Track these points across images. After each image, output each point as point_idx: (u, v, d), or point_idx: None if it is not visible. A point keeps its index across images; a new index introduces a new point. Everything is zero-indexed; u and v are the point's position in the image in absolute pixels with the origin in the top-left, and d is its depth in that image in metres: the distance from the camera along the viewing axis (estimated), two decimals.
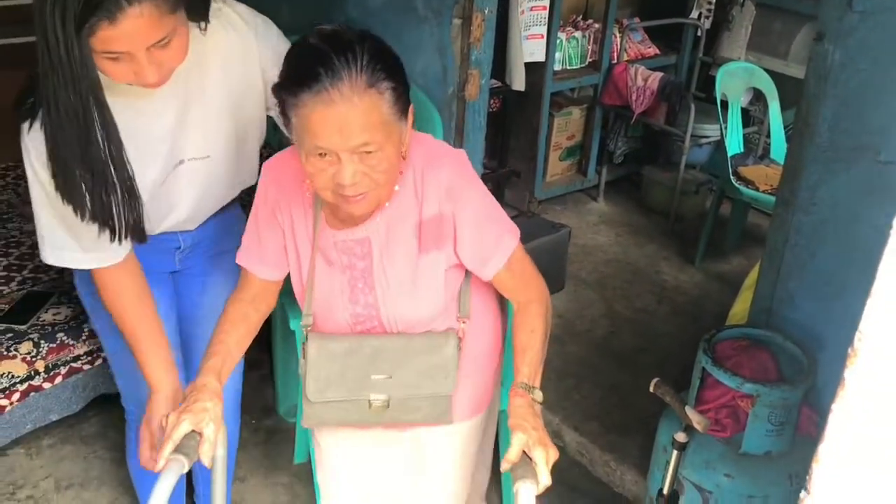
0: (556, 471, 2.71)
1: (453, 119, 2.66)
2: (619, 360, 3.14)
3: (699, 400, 1.87)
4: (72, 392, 2.26)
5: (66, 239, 1.51)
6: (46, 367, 2.18)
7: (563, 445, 2.77)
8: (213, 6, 1.48)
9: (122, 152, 1.39)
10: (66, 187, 1.39)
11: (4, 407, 2.12)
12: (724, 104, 3.58)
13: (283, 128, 1.29)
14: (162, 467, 1.29)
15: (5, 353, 2.15)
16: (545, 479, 1.29)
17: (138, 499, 2.06)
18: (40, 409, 2.21)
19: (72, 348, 2.24)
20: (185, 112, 1.52)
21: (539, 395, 1.48)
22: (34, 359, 2.17)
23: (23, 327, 2.25)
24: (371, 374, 1.51)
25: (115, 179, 1.40)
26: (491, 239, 1.48)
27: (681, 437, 1.75)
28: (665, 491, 1.81)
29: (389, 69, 1.29)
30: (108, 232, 1.44)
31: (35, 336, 2.23)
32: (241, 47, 1.53)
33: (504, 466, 1.34)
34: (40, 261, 2.54)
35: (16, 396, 2.14)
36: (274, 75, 1.37)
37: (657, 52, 4.34)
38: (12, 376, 2.13)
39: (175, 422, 1.32)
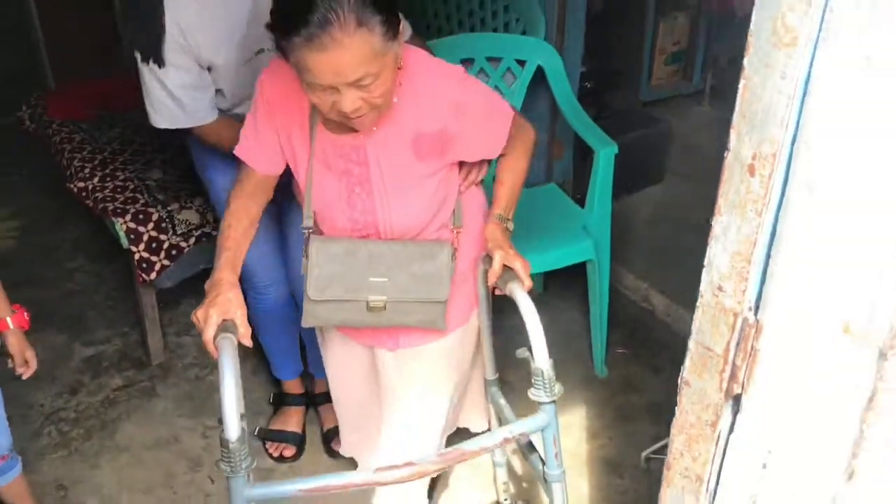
0: (644, 331, 3.03)
1: (554, 16, 2.94)
2: None
3: None
4: None
5: (170, 105, 1.90)
6: (215, 217, 2.67)
7: (651, 308, 3.09)
8: None
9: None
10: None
11: (184, 248, 2.62)
12: None
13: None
14: (217, 349, 1.41)
15: (184, 204, 2.65)
16: (528, 282, 1.55)
17: (265, 349, 2.50)
18: (210, 251, 2.70)
19: None
20: (258, 7, 1.77)
21: (511, 226, 1.66)
22: (205, 211, 2.66)
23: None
24: (369, 276, 1.57)
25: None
26: (497, 126, 1.61)
27: None
28: None
29: (376, 1, 1.31)
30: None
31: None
32: None
33: (491, 280, 1.58)
34: None
35: (192, 240, 2.64)
36: None
37: None
38: (189, 223, 2.63)
39: (205, 316, 1.44)
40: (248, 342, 1.46)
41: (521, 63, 2.76)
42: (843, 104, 0.85)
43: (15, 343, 1.80)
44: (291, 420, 2.49)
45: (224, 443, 1.38)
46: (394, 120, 1.49)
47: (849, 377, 0.94)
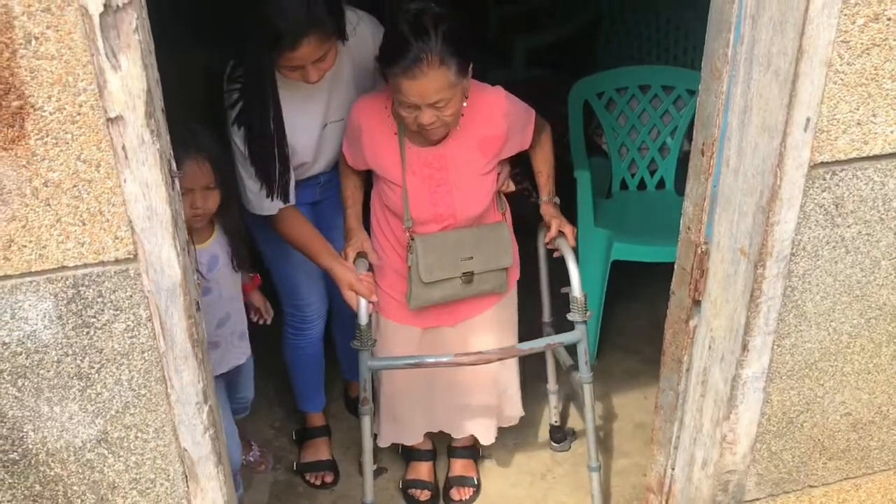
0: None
1: None
2: None
3: None
4: None
5: (254, 194, 2.05)
6: None
7: None
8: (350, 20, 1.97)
9: (283, 132, 1.96)
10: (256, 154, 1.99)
11: None
12: None
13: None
14: (352, 262, 2.01)
15: None
16: (573, 242, 2.07)
17: (295, 383, 2.60)
18: None
19: None
20: (330, 93, 2.09)
21: (557, 200, 2.15)
22: None
23: None
24: (459, 257, 2.00)
25: (276, 153, 1.98)
26: (528, 124, 2.05)
27: None
28: None
29: (456, 48, 1.75)
30: (265, 189, 2.00)
31: None
32: (363, 45, 2.04)
33: (548, 239, 2.11)
34: None
35: None
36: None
37: None
38: None
39: (345, 254, 2.03)
40: (375, 261, 2.06)
41: (692, 93, 3.32)
42: (744, 114, 1.47)
43: (258, 298, 2.21)
44: (321, 449, 2.63)
45: (358, 326, 1.97)
46: (461, 133, 1.95)
47: (743, 282, 1.54)
